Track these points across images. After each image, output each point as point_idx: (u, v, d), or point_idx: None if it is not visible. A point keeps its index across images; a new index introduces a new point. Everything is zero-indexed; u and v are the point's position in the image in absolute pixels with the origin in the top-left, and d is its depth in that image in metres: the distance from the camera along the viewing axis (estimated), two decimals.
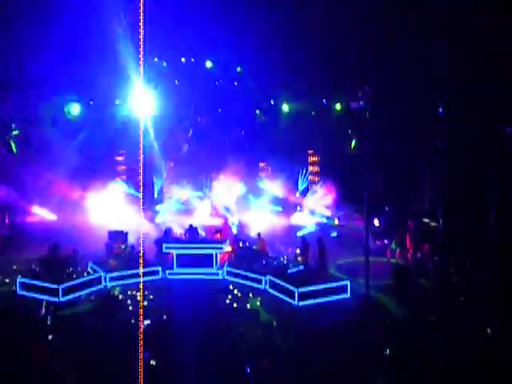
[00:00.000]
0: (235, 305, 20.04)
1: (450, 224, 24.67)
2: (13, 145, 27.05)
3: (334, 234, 27.69)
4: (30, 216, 28.17)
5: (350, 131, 27.20)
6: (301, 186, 30.86)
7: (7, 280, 22.32)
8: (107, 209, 27.52)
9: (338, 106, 28.74)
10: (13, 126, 26.66)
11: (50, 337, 16.28)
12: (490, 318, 17.09)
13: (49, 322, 17.46)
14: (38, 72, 26.07)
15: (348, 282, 21.05)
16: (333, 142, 28.71)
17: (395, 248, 25.00)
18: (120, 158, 30.84)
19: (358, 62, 25.38)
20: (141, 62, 20.68)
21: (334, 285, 21.06)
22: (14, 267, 23.53)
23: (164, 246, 23.88)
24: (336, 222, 28.85)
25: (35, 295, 20.55)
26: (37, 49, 25.19)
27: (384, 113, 23.79)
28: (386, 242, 25.80)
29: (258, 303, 20.03)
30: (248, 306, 19.90)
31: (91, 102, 27.71)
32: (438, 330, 16.85)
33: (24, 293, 20.93)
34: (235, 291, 21.41)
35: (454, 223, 24.17)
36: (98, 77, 25.72)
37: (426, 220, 26.29)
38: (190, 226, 25.51)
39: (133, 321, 17.74)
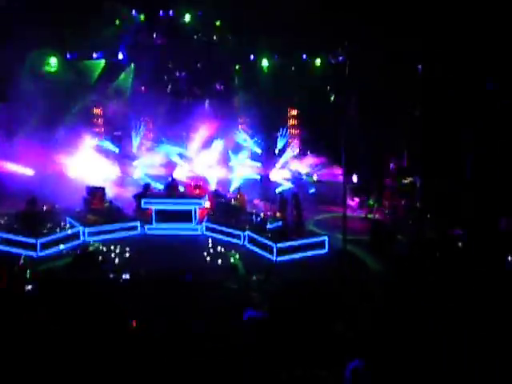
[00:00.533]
0: (213, 260, 20.16)
1: (428, 182, 24.86)
2: None
3: (313, 190, 27.79)
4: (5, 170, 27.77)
5: (328, 87, 27.17)
6: (280, 142, 30.78)
7: None
8: (84, 163, 27.28)
9: (317, 62, 28.59)
10: None
11: (28, 288, 16.31)
12: (466, 273, 17.39)
13: (27, 276, 17.44)
14: (14, 25, 25.61)
15: (326, 238, 21.25)
16: (312, 97, 28.56)
17: (372, 204, 25.23)
18: (97, 111, 30.36)
19: (339, 17, 25.24)
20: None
21: (312, 240, 21.25)
22: None
23: (143, 200, 23.83)
24: (314, 178, 28.91)
25: (12, 249, 20.54)
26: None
27: (363, 69, 23.71)
28: (363, 198, 26.00)
29: (237, 258, 20.14)
30: (226, 261, 20.01)
31: (67, 55, 27.31)
32: (414, 284, 17.11)
33: (0, 247, 20.88)
34: (214, 246, 21.53)
35: (432, 182, 24.37)
36: (75, 29, 25.30)
37: (403, 177, 26.42)
38: (172, 178, 25.51)
39: (111, 275, 17.81)
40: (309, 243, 21.02)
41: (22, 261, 18.29)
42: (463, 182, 23.40)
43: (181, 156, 29.49)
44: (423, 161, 25.06)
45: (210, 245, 21.70)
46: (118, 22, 28.02)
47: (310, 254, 20.71)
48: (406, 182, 25.47)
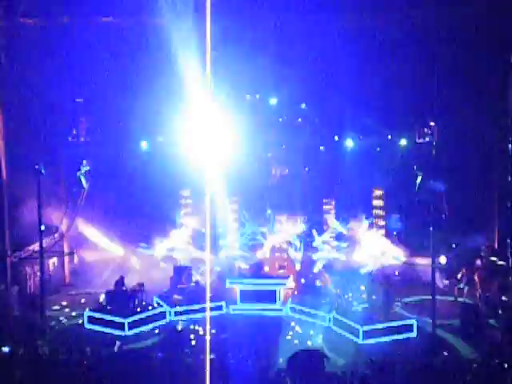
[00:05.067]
0: (297, 342, 19.93)
1: None
2: (83, 180, 27.70)
3: (397, 273, 27.24)
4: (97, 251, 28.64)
5: (415, 167, 26.91)
6: (364, 223, 30.46)
7: (74, 313, 22.90)
8: (172, 243, 27.84)
9: (403, 141, 28.44)
10: (84, 162, 27.36)
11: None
12: None
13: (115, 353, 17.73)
14: (107, 109, 27.04)
15: (414, 321, 20.71)
16: (398, 178, 28.32)
17: (463, 287, 24.43)
18: (185, 193, 30.98)
19: (425, 97, 25.27)
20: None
21: (400, 323, 20.75)
22: (82, 301, 24.12)
23: (228, 281, 24.03)
24: (401, 259, 28.34)
25: (102, 328, 21.05)
26: (105, 86, 26.09)
27: (451, 148, 23.58)
28: (453, 280, 25.22)
29: (321, 341, 19.84)
30: (310, 343, 19.74)
31: (159, 139, 28.34)
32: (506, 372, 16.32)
33: (91, 326, 21.40)
34: (297, 328, 21.31)
35: None
36: (163, 114, 26.25)
37: (494, 258, 25.59)
38: (258, 261, 25.75)
39: (201, 356, 17.78)
40: (396, 326, 20.53)
41: (117, 345, 18.66)
42: None
43: (266, 235, 29.62)
44: None
45: (294, 326, 21.50)
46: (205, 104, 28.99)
47: (397, 337, 20.19)
48: (498, 263, 24.66)
